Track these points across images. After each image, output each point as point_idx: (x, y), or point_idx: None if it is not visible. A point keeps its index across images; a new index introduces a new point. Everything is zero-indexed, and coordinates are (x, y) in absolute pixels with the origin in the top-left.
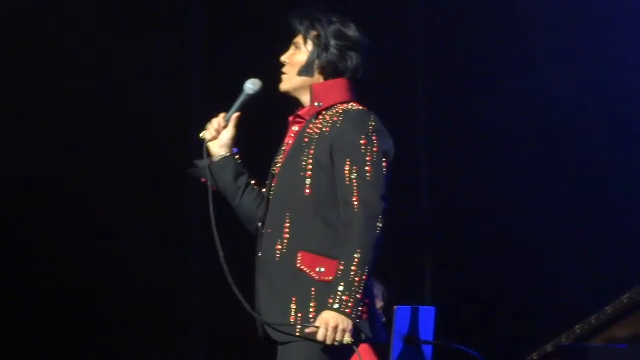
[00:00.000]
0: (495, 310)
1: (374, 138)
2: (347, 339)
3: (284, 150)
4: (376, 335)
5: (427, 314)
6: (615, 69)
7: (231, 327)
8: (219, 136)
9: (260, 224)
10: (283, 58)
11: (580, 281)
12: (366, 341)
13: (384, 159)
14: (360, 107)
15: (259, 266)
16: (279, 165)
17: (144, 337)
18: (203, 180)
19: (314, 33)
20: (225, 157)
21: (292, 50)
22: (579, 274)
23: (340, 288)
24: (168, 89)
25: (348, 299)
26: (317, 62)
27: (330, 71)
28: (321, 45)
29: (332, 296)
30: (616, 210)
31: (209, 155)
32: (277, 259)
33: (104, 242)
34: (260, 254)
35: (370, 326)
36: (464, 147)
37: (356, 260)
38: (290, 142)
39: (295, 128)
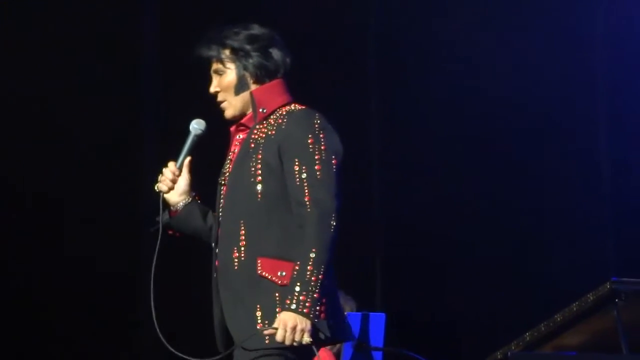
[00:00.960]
0: (445, 317)
1: (321, 136)
2: (306, 339)
3: (230, 159)
4: (338, 334)
5: (377, 321)
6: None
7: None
8: (174, 185)
9: (214, 241)
10: (212, 89)
11: (532, 287)
12: (328, 341)
13: (333, 156)
14: (303, 107)
15: (218, 278)
16: (227, 174)
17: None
18: (170, 232)
19: (227, 51)
20: (188, 203)
21: (216, 79)
22: (531, 280)
23: (297, 288)
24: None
25: (305, 298)
26: (246, 73)
27: (263, 74)
28: (242, 56)
29: (289, 297)
30: (566, 216)
31: (168, 205)
32: (236, 268)
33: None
34: (217, 267)
35: (332, 325)
36: (417, 151)
37: (311, 259)
38: (236, 150)
39: (240, 136)
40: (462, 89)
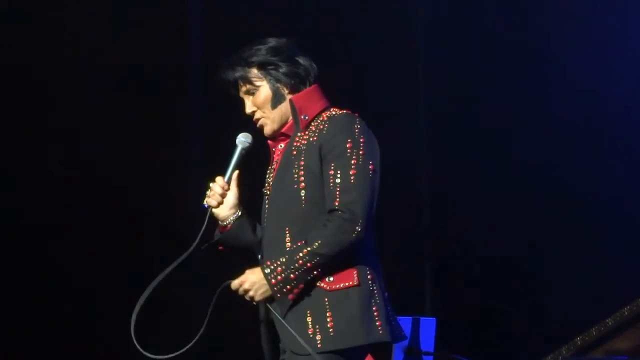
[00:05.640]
0: (496, 322)
1: (361, 140)
2: (253, 301)
3: (274, 168)
4: (394, 337)
5: (428, 325)
6: None
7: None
8: (223, 200)
9: (261, 251)
10: (248, 110)
11: (584, 291)
12: (379, 342)
13: (370, 162)
14: (344, 111)
15: None
16: (270, 183)
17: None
18: (220, 248)
19: (254, 69)
20: (238, 217)
21: (248, 99)
22: (581, 286)
23: (282, 259)
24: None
25: (281, 271)
26: (279, 85)
27: (297, 81)
28: (271, 70)
29: (270, 261)
30: (620, 218)
31: (217, 221)
32: None
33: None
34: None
35: (392, 328)
36: (467, 154)
37: (312, 246)
38: (279, 159)
39: (281, 145)
40: (516, 84)
